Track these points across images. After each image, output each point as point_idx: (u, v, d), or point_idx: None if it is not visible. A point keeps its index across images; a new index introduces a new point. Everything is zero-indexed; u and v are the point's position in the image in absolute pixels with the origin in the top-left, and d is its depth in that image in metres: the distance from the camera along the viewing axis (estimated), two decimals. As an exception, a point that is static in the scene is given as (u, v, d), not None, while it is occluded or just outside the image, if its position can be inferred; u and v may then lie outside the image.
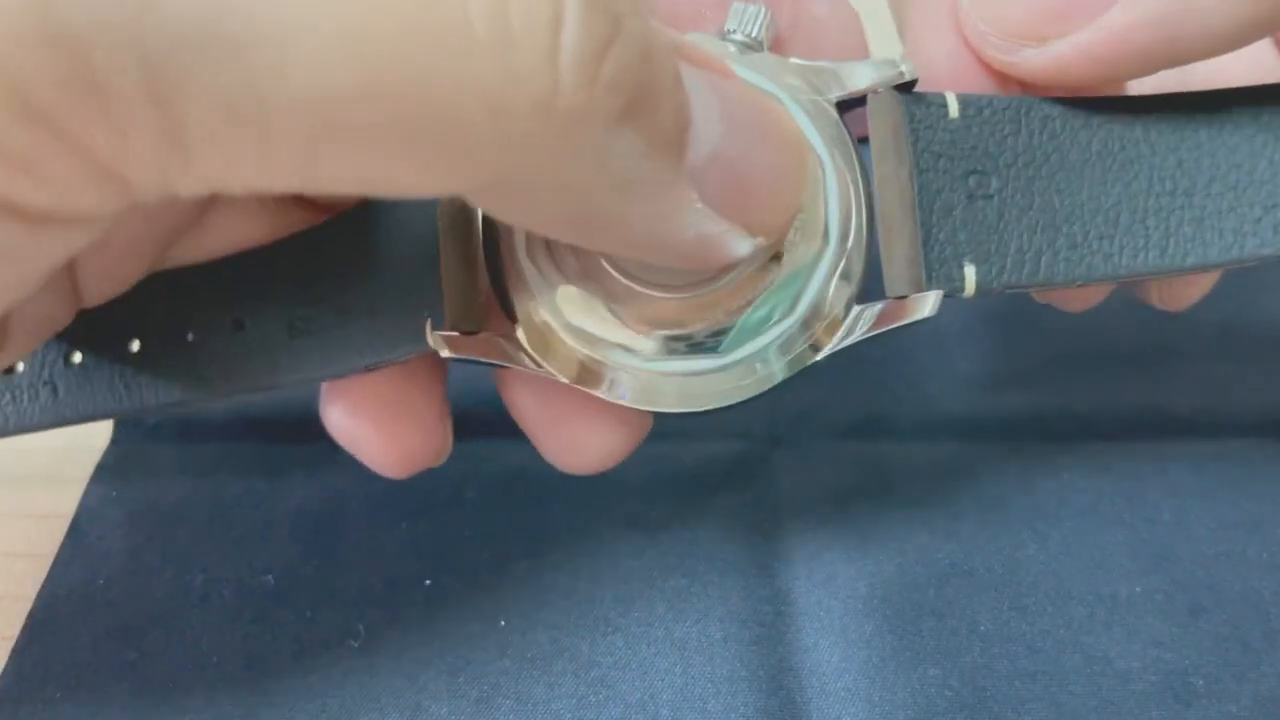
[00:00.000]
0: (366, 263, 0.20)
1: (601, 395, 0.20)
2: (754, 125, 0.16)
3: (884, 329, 0.19)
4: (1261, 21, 0.17)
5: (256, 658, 0.23)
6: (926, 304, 0.19)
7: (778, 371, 0.19)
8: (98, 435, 0.28)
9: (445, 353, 0.19)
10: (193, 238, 0.22)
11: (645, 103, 0.14)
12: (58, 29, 0.11)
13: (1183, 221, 0.20)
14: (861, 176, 0.19)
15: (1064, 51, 0.18)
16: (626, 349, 0.19)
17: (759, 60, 0.20)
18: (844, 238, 0.19)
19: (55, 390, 0.23)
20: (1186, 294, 0.25)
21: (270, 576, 0.25)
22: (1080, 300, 0.24)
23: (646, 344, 0.19)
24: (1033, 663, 0.23)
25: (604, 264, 0.19)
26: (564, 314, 0.19)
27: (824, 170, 0.19)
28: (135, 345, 0.22)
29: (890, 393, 0.29)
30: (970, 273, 0.19)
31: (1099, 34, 0.17)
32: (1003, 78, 0.20)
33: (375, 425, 0.21)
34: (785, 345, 0.19)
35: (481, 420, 0.28)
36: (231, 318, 0.22)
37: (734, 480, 0.27)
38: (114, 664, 0.23)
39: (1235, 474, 0.27)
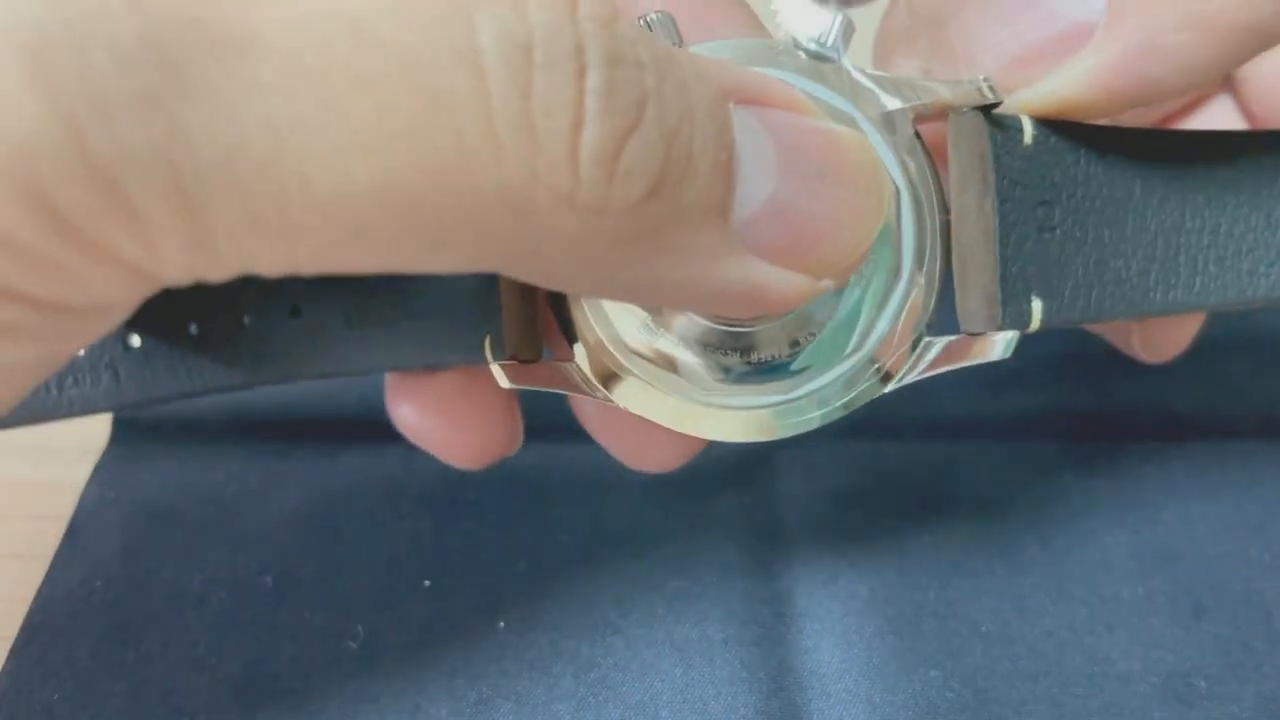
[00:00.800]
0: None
1: (658, 420, 0.19)
2: (818, 167, 0.16)
3: (950, 367, 0.19)
4: (1221, 57, 0.17)
5: (255, 658, 0.23)
6: (999, 346, 0.18)
7: (843, 405, 0.19)
8: (97, 436, 0.28)
9: (505, 384, 0.19)
10: None
11: (674, 178, 0.14)
12: (92, 157, 0.12)
13: (1209, 260, 0.20)
14: (938, 200, 0.19)
15: (1029, 99, 0.18)
16: (689, 380, 0.19)
17: (832, 72, 0.19)
18: (918, 267, 0.19)
19: (116, 373, 0.23)
20: (1171, 343, 0.24)
21: (269, 577, 0.25)
22: (1169, 349, 0.24)
23: (710, 375, 0.19)
24: (1034, 664, 0.23)
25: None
26: (624, 340, 0.19)
27: (900, 196, 0.18)
28: (193, 328, 0.23)
29: (890, 393, 0.29)
30: (1038, 309, 0.18)
31: (1056, 83, 0.17)
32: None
33: (446, 421, 0.22)
34: (852, 380, 0.19)
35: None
36: (288, 304, 0.22)
37: (734, 481, 0.27)
38: (112, 665, 0.23)
39: (1237, 475, 0.27)
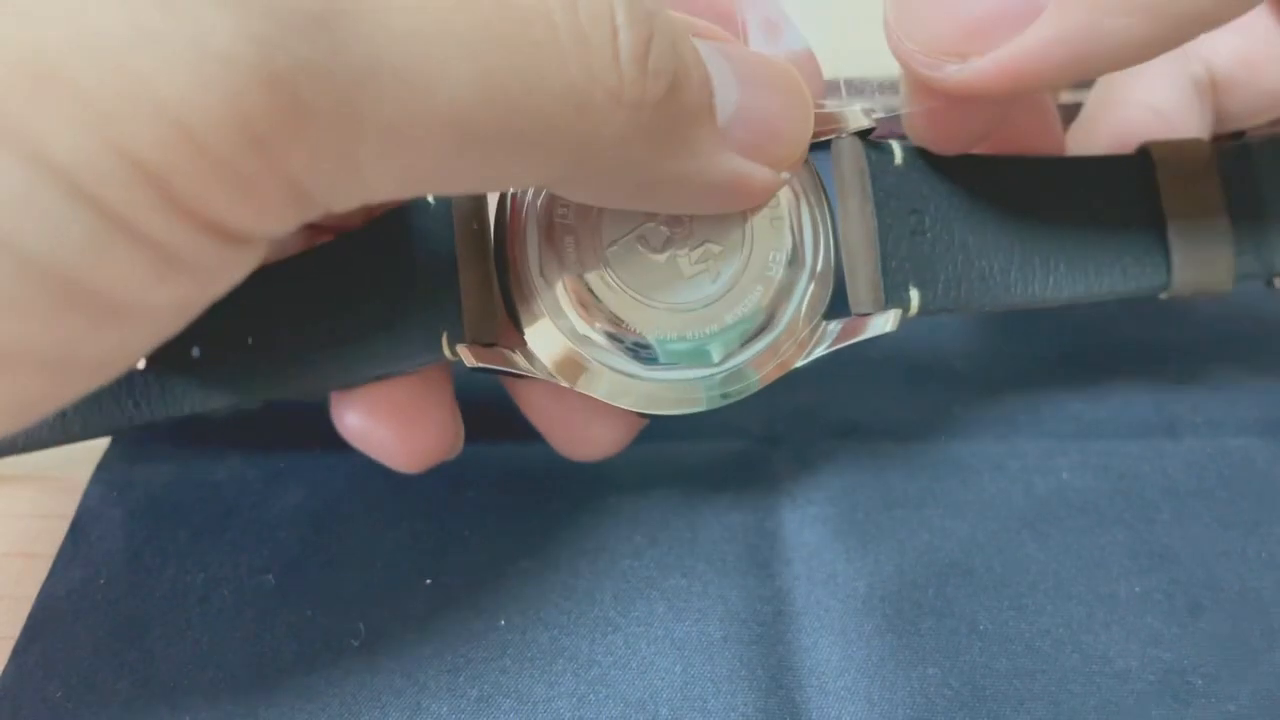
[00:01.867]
0: (375, 280, 0.22)
1: (605, 399, 0.22)
2: (762, 80, 0.19)
3: (848, 342, 0.22)
4: (1159, 39, 0.18)
5: (257, 657, 0.23)
6: (888, 320, 0.22)
7: (761, 379, 0.22)
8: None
9: (470, 363, 0.21)
10: None
11: (681, 80, 0.17)
12: (277, 71, 0.13)
13: (1060, 263, 0.24)
14: (826, 207, 0.22)
15: (984, 67, 0.19)
16: (627, 359, 0.22)
17: None
18: (815, 260, 0.22)
19: (64, 411, 0.24)
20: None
21: (270, 576, 0.25)
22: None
23: (645, 352, 0.22)
24: (1032, 662, 0.23)
25: (609, 280, 0.21)
26: (574, 327, 0.21)
27: (800, 205, 0.22)
28: (141, 363, 0.24)
29: (890, 393, 0.30)
30: (915, 296, 0.22)
31: (1016, 51, 0.18)
32: (930, 92, 0.21)
33: (391, 427, 0.24)
34: (767, 354, 0.22)
35: (482, 421, 0.28)
36: (241, 334, 0.23)
37: (733, 480, 0.27)
38: (114, 663, 0.23)
39: (1234, 473, 0.27)
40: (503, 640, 0.23)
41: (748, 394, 0.22)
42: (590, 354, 0.22)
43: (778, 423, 0.29)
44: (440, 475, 0.27)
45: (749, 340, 0.22)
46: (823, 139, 0.22)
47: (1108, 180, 0.25)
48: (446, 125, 0.15)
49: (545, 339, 0.22)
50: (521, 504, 0.26)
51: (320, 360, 0.23)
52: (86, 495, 0.27)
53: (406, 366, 0.22)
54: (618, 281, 0.21)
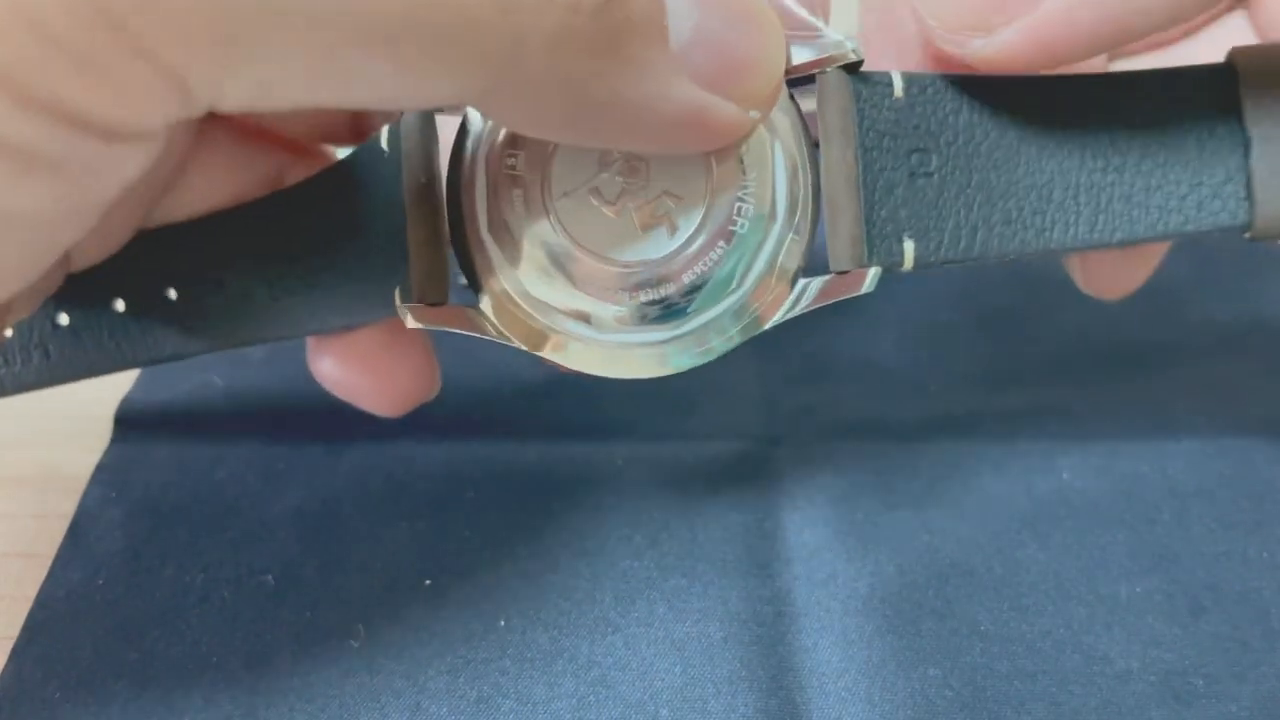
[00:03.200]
0: (341, 227, 0.21)
1: (560, 362, 0.21)
2: (727, 7, 0.18)
3: (827, 302, 0.20)
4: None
5: (256, 657, 0.23)
6: (865, 280, 0.20)
7: (728, 340, 0.21)
8: (97, 435, 0.28)
9: (410, 323, 0.20)
10: (173, 196, 0.23)
11: None
12: None
13: (1113, 198, 0.21)
14: (809, 153, 0.20)
15: (1011, 39, 0.18)
16: (584, 321, 0.20)
17: None
18: (791, 213, 0.20)
19: (47, 352, 0.24)
20: (1115, 281, 0.25)
21: (270, 576, 0.25)
22: (1117, 288, 0.24)
23: (604, 312, 0.20)
24: (1033, 663, 0.23)
25: (564, 238, 0.20)
26: (525, 286, 0.20)
27: (773, 148, 0.20)
28: (120, 305, 0.23)
29: (890, 393, 0.30)
30: (909, 248, 0.20)
31: (1042, 18, 0.18)
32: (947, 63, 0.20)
33: (366, 373, 0.23)
34: (734, 315, 0.20)
35: (481, 421, 0.29)
36: (211, 276, 0.23)
37: (734, 480, 0.27)
38: (114, 664, 0.23)
39: (1235, 474, 0.27)
40: (502, 641, 0.23)
41: (713, 356, 0.21)
42: (543, 316, 0.20)
43: (778, 423, 0.29)
44: (440, 475, 0.27)
45: (712, 301, 0.20)
46: (806, 73, 0.20)
47: (1178, 96, 0.21)
48: (343, 13, 0.14)
49: (497, 300, 0.20)
50: (521, 504, 0.26)
51: (289, 306, 0.22)
52: (85, 495, 0.27)
53: (367, 318, 0.22)
54: (569, 239, 0.20)
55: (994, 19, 0.18)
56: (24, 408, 0.30)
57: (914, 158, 0.20)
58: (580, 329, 0.20)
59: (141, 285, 0.23)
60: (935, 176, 0.20)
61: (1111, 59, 0.25)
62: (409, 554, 0.25)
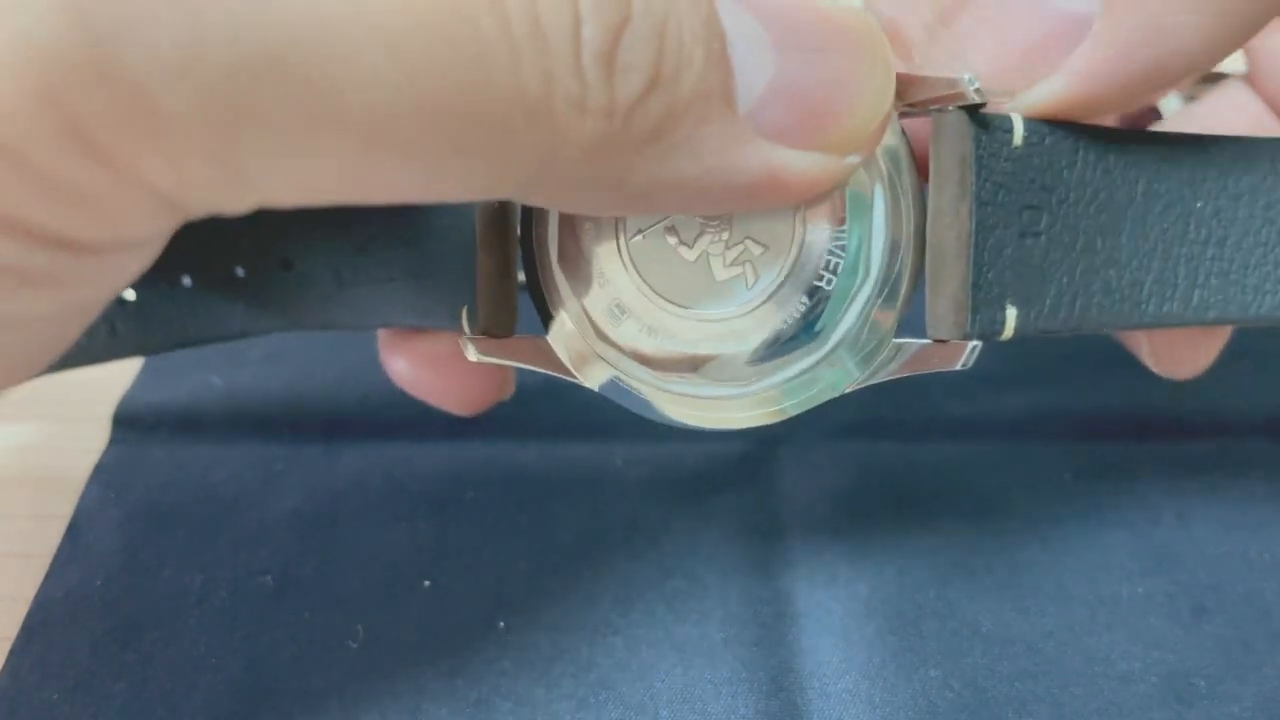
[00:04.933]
0: (414, 231, 0.20)
1: (624, 404, 0.20)
2: (814, 40, 0.16)
3: (916, 373, 0.19)
4: (1237, 35, 0.16)
5: (255, 658, 0.23)
6: (963, 355, 0.18)
7: (800, 403, 0.19)
8: (97, 436, 0.28)
9: (473, 356, 0.19)
10: None
11: (670, 68, 0.14)
12: (115, 67, 0.11)
13: (1211, 273, 0.19)
14: (915, 198, 0.18)
15: (1045, 93, 0.17)
16: (648, 365, 0.19)
17: None
18: (890, 268, 0.18)
19: (114, 328, 0.24)
20: (1187, 360, 0.24)
21: (269, 577, 0.25)
22: (1188, 367, 0.23)
23: (668, 362, 0.19)
24: (1034, 664, 0.23)
25: (632, 278, 0.19)
26: (595, 324, 0.19)
27: (873, 192, 0.18)
28: (187, 280, 0.23)
29: (891, 393, 0.29)
30: (1011, 316, 0.18)
31: (1071, 74, 0.17)
32: None
33: (439, 375, 0.22)
34: (809, 378, 0.19)
35: (482, 421, 0.28)
36: (279, 257, 0.22)
37: (734, 481, 0.27)
38: (112, 665, 0.23)
39: (1237, 474, 0.27)
40: (502, 642, 0.23)
41: (783, 417, 0.19)
42: (610, 355, 0.19)
43: (778, 423, 0.29)
44: (440, 475, 0.27)
45: (787, 359, 0.19)
46: (918, 111, 0.18)
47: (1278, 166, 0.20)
48: (352, 130, 0.13)
49: (565, 336, 0.19)
50: (521, 504, 0.26)
51: (355, 297, 0.22)
52: (84, 496, 0.27)
53: (435, 324, 0.21)
54: (640, 280, 0.19)
55: (1027, 77, 0.17)
56: (24, 408, 0.29)
57: (1025, 214, 0.18)
58: (644, 372, 0.19)
59: (207, 263, 0.23)
60: (1043, 237, 0.18)
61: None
62: (409, 554, 0.25)
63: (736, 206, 0.17)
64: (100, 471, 0.27)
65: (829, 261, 0.18)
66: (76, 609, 0.24)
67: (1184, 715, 0.22)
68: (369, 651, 0.23)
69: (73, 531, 0.26)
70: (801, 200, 0.17)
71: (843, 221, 0.18)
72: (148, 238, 0.14)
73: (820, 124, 0.16)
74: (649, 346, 0.19)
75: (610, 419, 0.29)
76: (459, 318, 0.19)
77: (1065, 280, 0.18)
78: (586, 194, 0.15)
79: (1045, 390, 0.29)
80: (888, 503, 0.26)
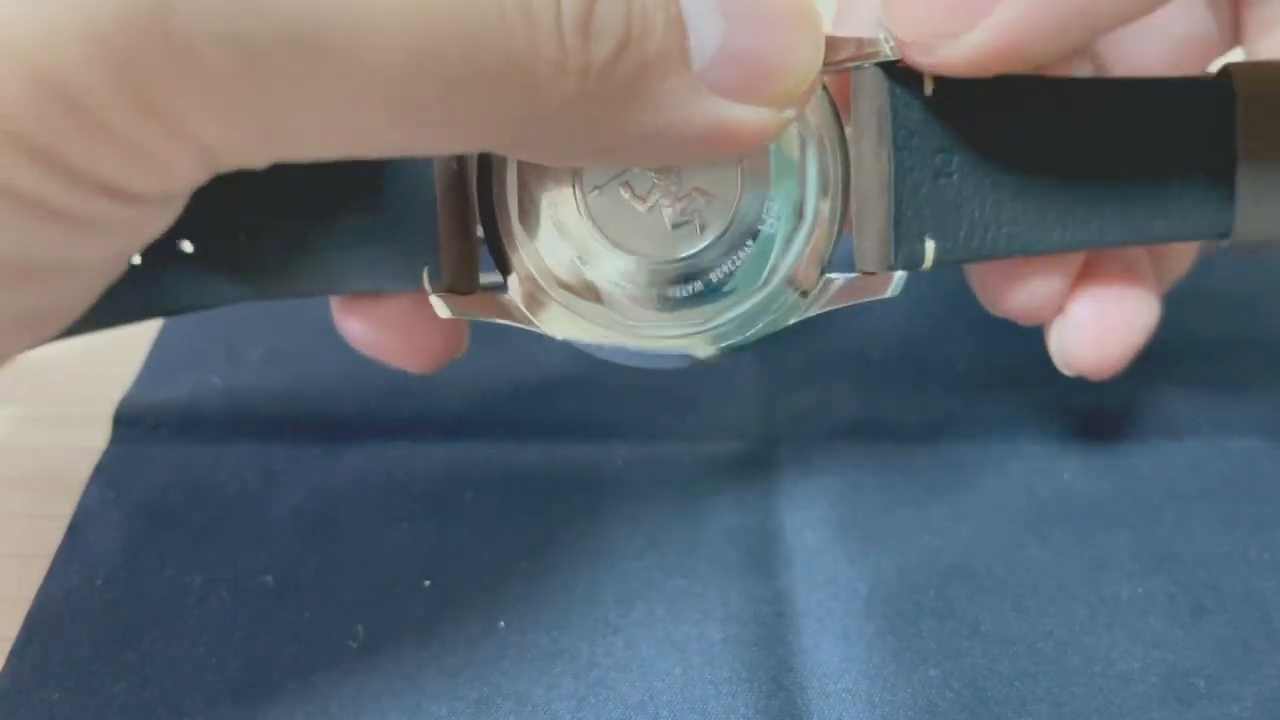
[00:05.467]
0: (372, 191, 0.21)
1: (590, 351, 0.21)
2: (755, 8, 0.17)
3: (850, 302, 0.21)
4: (1139, 5, 0.17)
5: (256, 658, 0.23)
6: (891, 284, 0.20)
7: (749, 336, 0.21)
8: (97, 436, 0.28)
9: (445, 313, 0.21)
10: None
11: (637, 32, 0.16)
12: (171, 30, 0.13)
13: (1109, 203, 0.21)
14: (840, 147, 0.20)
15: (976, 41, 0.18)
16: (615, 314, 0.21)
17: None
18: (819, 211, 0.21)
19: (116, 293, 0.23)
20: (1011, 298, 0.24)
21: (269, 577, 0.25)
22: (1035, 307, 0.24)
23: (632, 306, 0.21)
24: (1034, 663, 0.23)
25: (594, 232, 0.21)
26: (555, 276, 0.21)
27: (804, 143, 0.20)
28: (136, 259, 0.23)
29: (890, 393, 0.29)
30: (930, 248, 0.20)
31: (1003, 19, 0.18)
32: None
33: (395, 335, 0.23)
34: (766, 307, 0.21)
35: (481, 421, 0.28)
36: (239, 228, 0.22)
37: (734, 481, 0.27)
38: (113, 664, 0.23)
39: (1237, 474, 0.27)
40: (502, 642, 0.23)
41: (741, 346, 0.21)
42: (571, 305, 0.21)
43: (778, 423, 0.29)
44: (440, 476, 0.27)
45: (737, 297, 0.21)
46: (841, 68, 0.20)
47: (1178, 106, 0.21)
48: (374, 91, 0.14)
49: (527, 289, 0.21)
50: (521, 505, 0.26)
51: (316, 263, 0.22)
52: (84, 496, 0.27)
53: (391, 289, 0.22)
54: (599, 232, 0.21)
55: (956, 25, 0.18)
56: (24, 408, 0.30)
57: (938, 157, 0.20)
58: (606, 318, 0.21)
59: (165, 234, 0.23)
60: (955, 177, 0.20)
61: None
62: (409, 554, 0.25)
63: (692, 156, 0.19)
64: (101, 471, 0.27)
65: (768, 206, 0.20)
66: (77, 609, 0.24)
67: (1183, 715, 0.22)
68: (369, 651, 0.23)
69: (73, 531, 0.26)
70: (746, 149, 0.19)
71: (779, 172, 0.20)
72: (184, 191, 0.15)
73: (763, 82, 0.18)
74: (610, 293, 0.21)
75: (610, 419, 0.29)
76: (419, 279, 0.20)
77: (977, 214, 0.20)
78: (564, 146, 0.17)
79: (1045, 390, 0.29)
80: (888, 503, 0.26)
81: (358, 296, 0.23)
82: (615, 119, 0.17)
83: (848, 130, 0.21)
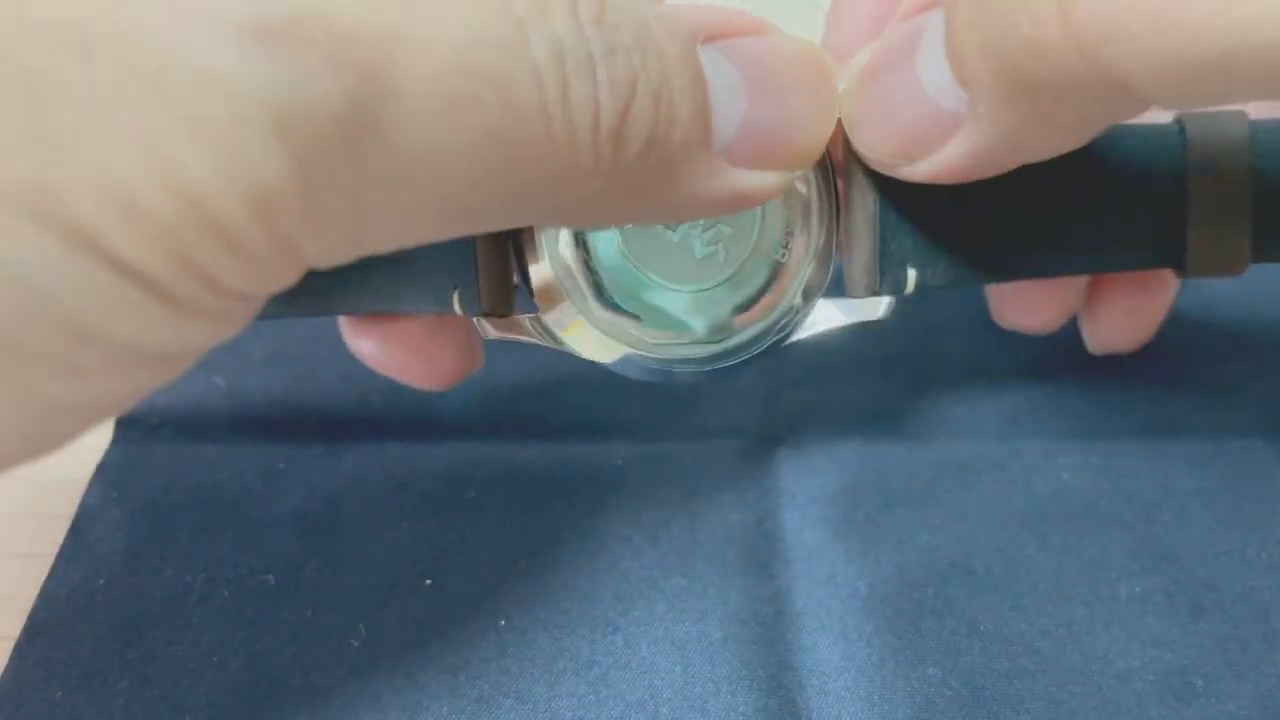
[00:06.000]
0: None
1: (614, 369, 0.23)
2: (777, 81, 0.19)
3: (845, 323, 0.23)
4: (1076, 144, 0.18)
5: (257, 657, 0.23)
6: (879, 307, 0.23)
7: (756, 351, 0.23)
8: (98, 435, 0.28)
9: (490, 335, 0.23)
10: None
11: (663, 129, 0.17)
12: (310, 186, 0.14)
13: (1073, 237, 0.23)
14: (832, 189, 0.23)
15: (928, 170, 0.19)
16: (640, 333, 0.23)
17: None
18: (817, 242, 0.23)
19: None
20: (1118, 332, 0.28)
21: (271, 576, 0.25)
22: (1038, 321, 0.27)
23: (657, 329, 0.23)
24: (1032, 662, 0.23)
25: (627, 259, 0.22)
26: (589, 302, 0.23)
27: (810, 190, 0.23)
28: None
29: (890, 392, 0.30)
30: (912, 276, 0.22)
31: (946, 159, 0.19)
32: None
33: (408, 353, 0.24)
34: (769, 332, 0.23)
35: (482, 420, 0.29)
36: None
37: (734, 480, 0.27)
38: (115, 663, 0.23)
39: (1235, 474, 0.27)
40: (503, 640, 0.23)
41: (748, 363, 0.23)
42: (603, 328, 0.23)
43: (778, 423, 0.29)
44: (440, 475, 0.27)
45: (754, 317, 0.23)
46: None
47: (1137, 152, 0.23)
48: (437, 206, 0.16)
49: (564, 316, 0.23)
50: (522, 504, 0.26)
51: (330, 285, 0.22)
52: (86, 495, 0.27)
53: (414, 311, 0.23)
54: (631, 259, 0.22)
55: (910, 154, 0.19)
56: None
57: (917, 198, 0.22)
58: (638, 341, 0.23)
59: None
60: (934, 218, 0.22)
61: None
62: (409, 554, 0.25)
63: (707, 216, 0.22)
64: (103, 471, 0.27)
65: (781, 238, 0.23)
66: (79, 608, 0.24)
67: (1181, 713, 0.22)
68: (370, 649, 0.23)
69: (75, 531, 0.26)
70: (759, 204, 0.21)
71: (789, 207, 0.23)
72: (274, 290, 0.16)
73: (780, 151, 0.19)
74: (637, 316, 0.23)
75: (610, 419, 0.29)
76: (448, 302, 0.22)
77: (953, 247, 0.22)
78: (590, 221, 0.20)
79: (1044, 389, 0.29)
80: (887, 502, 0.26)
81: (372, 316, 0.23)
82: (638, 200, 0.18)
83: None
